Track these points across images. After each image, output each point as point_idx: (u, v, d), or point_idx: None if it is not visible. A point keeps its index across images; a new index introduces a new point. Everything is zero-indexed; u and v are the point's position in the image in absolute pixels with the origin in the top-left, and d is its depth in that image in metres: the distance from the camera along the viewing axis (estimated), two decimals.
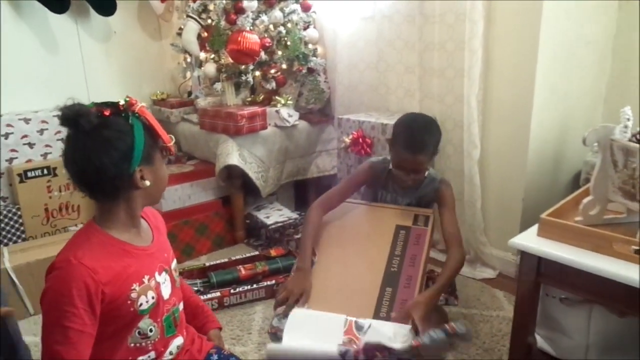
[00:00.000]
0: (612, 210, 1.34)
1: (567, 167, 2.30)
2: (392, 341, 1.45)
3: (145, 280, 1.11)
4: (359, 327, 1.47)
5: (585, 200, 1.31)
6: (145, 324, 1.11)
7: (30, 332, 1.84)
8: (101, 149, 1.02)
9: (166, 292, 1.17)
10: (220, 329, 1.44)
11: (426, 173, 1.80)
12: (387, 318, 1.55)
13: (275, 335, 1.52)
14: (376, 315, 1.56)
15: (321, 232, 1.81)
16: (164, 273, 1.17)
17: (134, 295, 1.07)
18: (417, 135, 1.71)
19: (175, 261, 1.26)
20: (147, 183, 1.07)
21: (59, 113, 1.01)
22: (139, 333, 1.11)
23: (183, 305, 1.29)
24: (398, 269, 1.68)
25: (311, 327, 1.50)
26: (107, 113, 1.02)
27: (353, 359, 1.30)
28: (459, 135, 2.30)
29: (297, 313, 1.54)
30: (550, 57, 2.03)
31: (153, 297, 1.12)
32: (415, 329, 1.49)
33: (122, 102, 1.05)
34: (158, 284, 1.14)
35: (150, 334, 1.13)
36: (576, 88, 2.20)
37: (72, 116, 1.00)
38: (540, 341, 1.42)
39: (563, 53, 2.08)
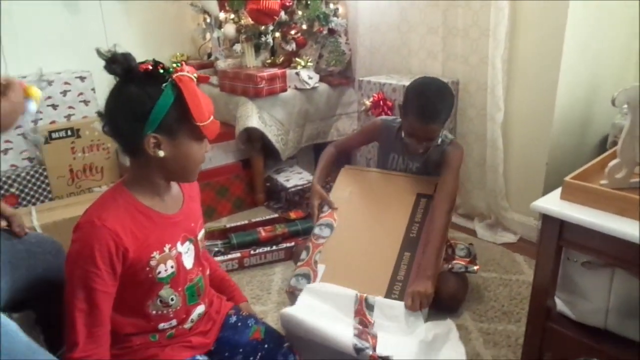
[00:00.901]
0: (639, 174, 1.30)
1: (595, 130, 2.24)
2: (404, 324, 1.45)
3: (166, 249, 1.11)
4: (370, 307, 1.47)
5: (611, 163, 1.27)
6: (166, 292, 1.13)
7: None
8: (120, 101, 1.03)
9: (188, 262, 1.18)
10: (246, 301, 1.47)
11: (439, 140, 1.77)
12: (405, 282, 1.56)
13: (293, 294, 1.54)
14: (394, 277, 1.57)
15: (342, 199, 1.81)
16: (187, 243, 1.17)
17: (153, 262, 1.08)
18: (430, 103, 1.66)
19: (202, 231, 1.25)
20: (161, 153, 1.04)
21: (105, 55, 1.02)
22: (160, 301, 1.13)
23: (209, 280, 1.30)
24: (417, 235, 1.68)
25: (324, 303, 1.50)
26: (142, 68, 1.01)
27: None
28: (482, 98, 2.24)
29: (312, 287, 1.54)
30: (581, 15, 1.94)
31: (172, 267, 1.12)
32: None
33: (166, 65, 1.02)
34: (179, 254, 1.14)
35: (171, 302, 1.14)
36: (608, 47, 2.11)
37: (106, 59, 1.01)
38: (560, 304, 1.40)
39: (594, 10, 1.99)
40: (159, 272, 1.10)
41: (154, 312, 1.13)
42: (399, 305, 1.47)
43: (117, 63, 1.01)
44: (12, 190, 2.32)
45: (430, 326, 1.49)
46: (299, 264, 1.67)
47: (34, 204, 2.37)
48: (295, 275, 1.62)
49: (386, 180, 1.88)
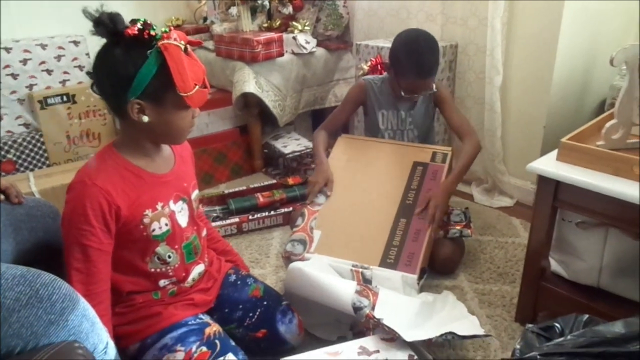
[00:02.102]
0: (635, 135, 1.31)
1: (593, 93, 2.23)
2: (400, 290, 1.47)
3: (159, 207, 1.13)
4: (367, 281, 1.48)
5: (608, 124, 1.27)
6: (163, 249, 1.15)
7: None
8: (105, 63, 1.03)
9: (183, 220, 1.19)
10: (248, 272, 1.49)
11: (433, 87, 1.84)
12: (400, 247, 1.57)
13: (289, 259, 1.56)
14: (389, 243, 1.58)
15: (338, 167, 1.82)
16: (180, 202, 1.19)
17: (146, 220, 1.10)
18: (425, 60, 1.72)
19: (196, 192, 1.26)
20: (145, 119, 1.04)
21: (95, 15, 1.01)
22: (158, 258, 1.15)
23: (211, 245, 1.33)
24: (413, 201, 1.70)
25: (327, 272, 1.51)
26: (130, 32, 0.99)
27: (364, 319, 1.30)
28: (481, 61, 2.22)
29: (313, 261, 1.54)
30: None
31: (167, 224, 1.14)
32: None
33: (152, 32, 1.00)
34: (173, 212, 1.16)
35: (169, 259, 1.17)
36: (610, 7, 2.07)
37: (93, 20, 1.00)
38: (554, 264, 1.43)
39: None
40: (153, 230, 1.12)
41: (152, 269, 1.16)
42: (396, 276, 1.48)
43: (103, 25, 0.99)
44: (9, 156, 2.31)
45: (429, 294, 1.53)
46: (294, 229, 1.68)
47: (31, 169, 2.37)
48: (291, 241, 1.63)
49: (383, 149, 1.89)
